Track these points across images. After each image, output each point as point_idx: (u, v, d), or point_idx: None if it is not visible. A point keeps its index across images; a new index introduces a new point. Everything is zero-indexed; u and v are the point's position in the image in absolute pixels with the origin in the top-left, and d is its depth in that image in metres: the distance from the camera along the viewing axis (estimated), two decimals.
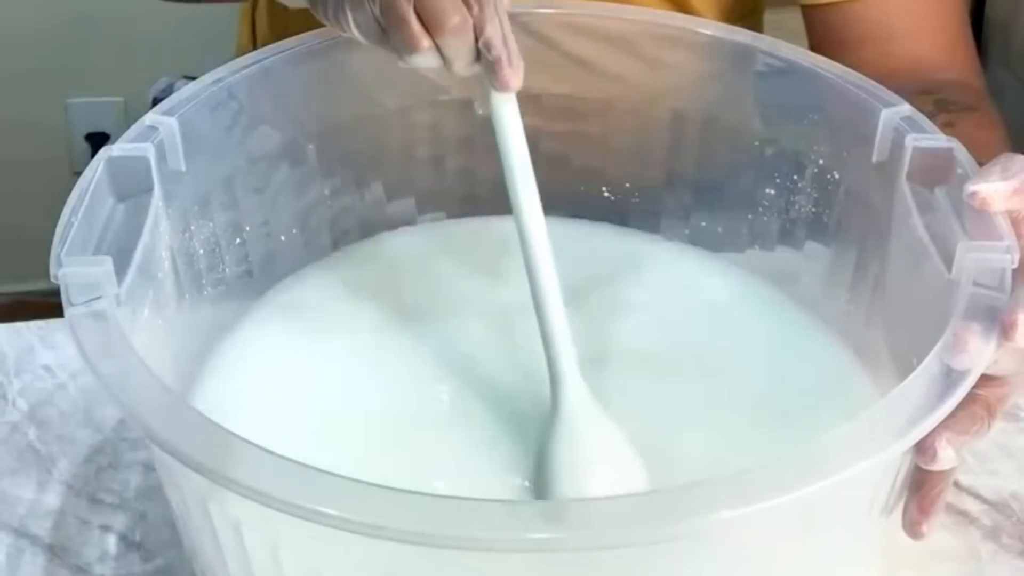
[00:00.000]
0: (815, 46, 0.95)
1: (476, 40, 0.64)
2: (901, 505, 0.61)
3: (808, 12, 0.95)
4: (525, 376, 0.69)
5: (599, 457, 0.64)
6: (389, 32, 0.65)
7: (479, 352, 0.72)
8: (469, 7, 0.64)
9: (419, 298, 0.76)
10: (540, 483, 0.63)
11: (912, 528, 0.61)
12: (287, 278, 0.77)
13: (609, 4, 0.80)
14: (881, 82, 0.71)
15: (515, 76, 0.65)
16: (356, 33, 0.67)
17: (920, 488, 0.60)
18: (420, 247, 0.80)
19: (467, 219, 0.83)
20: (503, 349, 0.72)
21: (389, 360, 0.72)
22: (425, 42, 0.64)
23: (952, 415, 0.54)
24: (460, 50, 0.65)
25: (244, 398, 0.69)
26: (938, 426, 0.53)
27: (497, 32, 0.64)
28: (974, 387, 0.55)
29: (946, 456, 0.57)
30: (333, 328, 0.74)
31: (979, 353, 0.55)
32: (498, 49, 0.64)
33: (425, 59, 0.65)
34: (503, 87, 0.65)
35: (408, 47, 0.64)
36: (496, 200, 0.80)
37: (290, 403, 0.69)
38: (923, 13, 0.93)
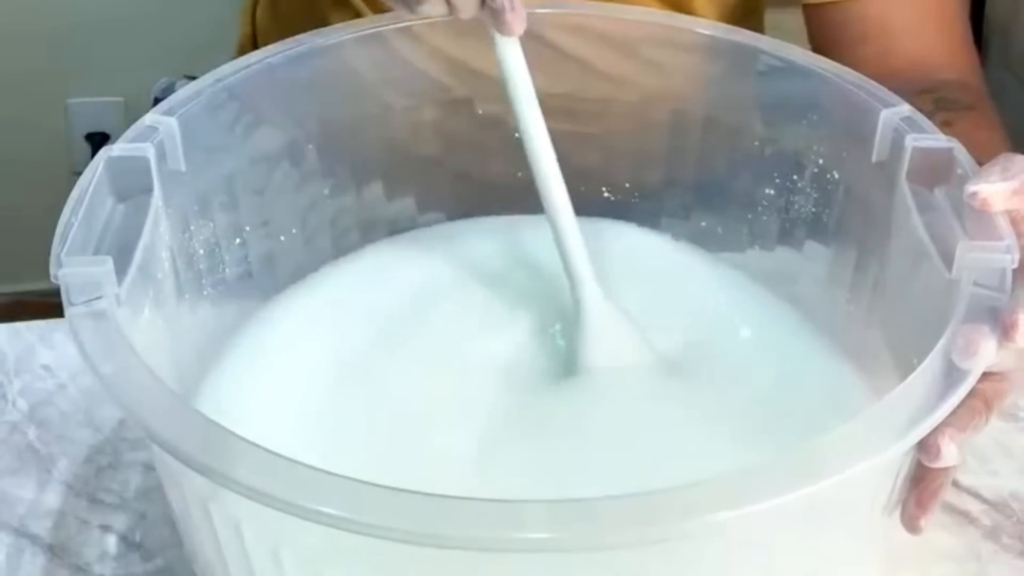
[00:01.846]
0: (816, 46, 0.95)
1: None
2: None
3: (809, 11, 0.95)
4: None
5: (623, 343, 0.72)
6: None
7: (489, 353, 0.72)
8: None
9: (424, 300, 0.76)
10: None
11: (910, 523, 0.61)
12: (290, 279, 0.77)
13: (609, 4, 0.80)
14: (881, 81, 0.71)
15: (518, 22, 0.69)
16: None
17: (919, 483, 0.60)
18: (425, 250, 0.80)
19: (467, 220, 0.83)
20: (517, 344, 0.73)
21: (393, 361, 0.72)
22: None
23: (953, 412, 0.54)
24: None
25: (245, 397, 0.69)
26: (940, 423, 0.53)
27: None
28: None
29: (949, 453, 0.57)
30: (334, 329, 0.74)
31: (989, 355, 0.55)
32: None
33: (432, 7, 0.69)
34: (508, 32, 0.69)
35: None
36: (496, 200, 0.81)
37: (290, 402, 0.69)
38: (923, 11, 0.93)
